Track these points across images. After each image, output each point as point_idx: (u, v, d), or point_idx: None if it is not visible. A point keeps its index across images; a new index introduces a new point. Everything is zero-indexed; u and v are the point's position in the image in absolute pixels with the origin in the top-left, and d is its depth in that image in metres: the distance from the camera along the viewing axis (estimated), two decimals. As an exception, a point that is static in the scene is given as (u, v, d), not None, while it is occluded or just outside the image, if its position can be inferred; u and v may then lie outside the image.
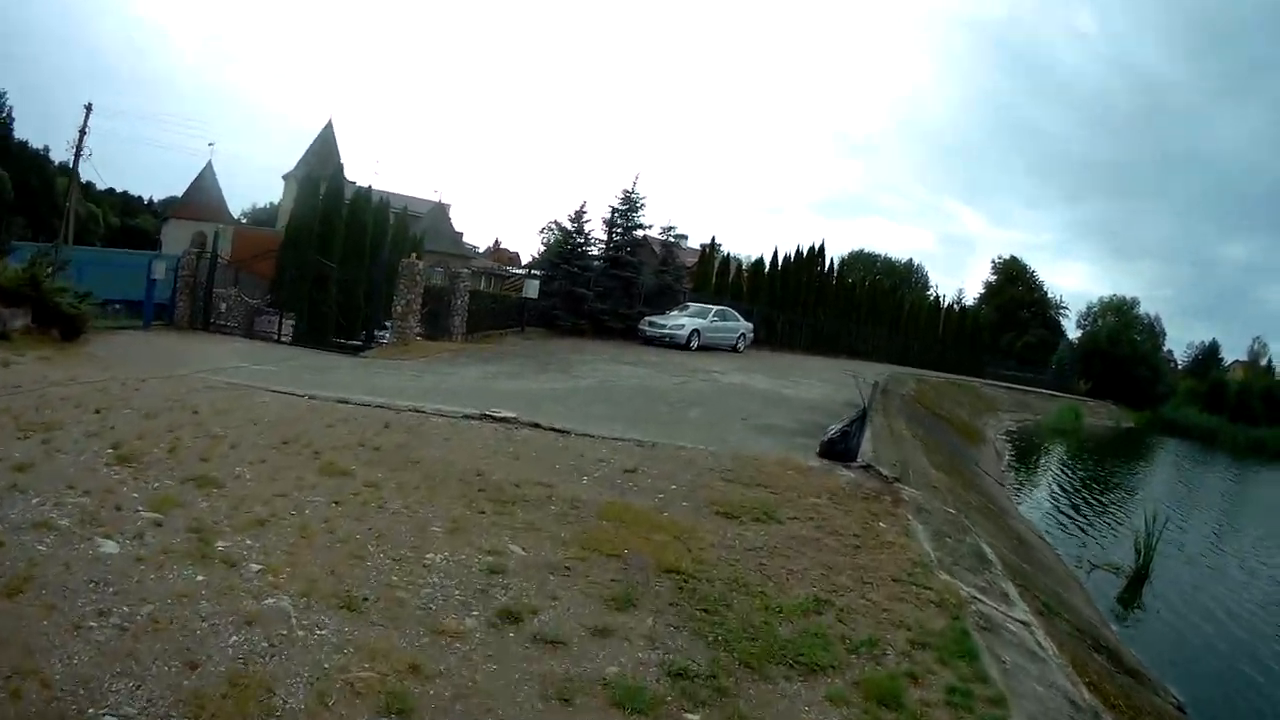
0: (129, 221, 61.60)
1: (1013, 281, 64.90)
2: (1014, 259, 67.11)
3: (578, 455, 7.39)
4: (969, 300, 64.46)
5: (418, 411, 8.67)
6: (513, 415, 8.77)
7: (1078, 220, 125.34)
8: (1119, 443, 35.92)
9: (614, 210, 25.12)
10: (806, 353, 31.79)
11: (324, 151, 37.39)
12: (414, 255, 18.11)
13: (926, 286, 71.66)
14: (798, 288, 32.09)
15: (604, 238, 25.39)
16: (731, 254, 30.79)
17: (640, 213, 25.19)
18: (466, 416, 8.65)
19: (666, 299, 25.53)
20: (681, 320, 22.21)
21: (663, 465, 7.33)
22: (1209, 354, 73.83)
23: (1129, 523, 13.57)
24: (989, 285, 67.26)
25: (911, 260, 75.86)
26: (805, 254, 32.78)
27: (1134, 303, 60.63)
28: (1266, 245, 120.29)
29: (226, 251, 22.86)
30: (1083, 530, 13.60)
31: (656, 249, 27.79)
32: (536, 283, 22.37)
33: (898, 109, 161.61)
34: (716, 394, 13.44)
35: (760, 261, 31.12)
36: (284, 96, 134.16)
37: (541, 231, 58.03)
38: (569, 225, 25.56)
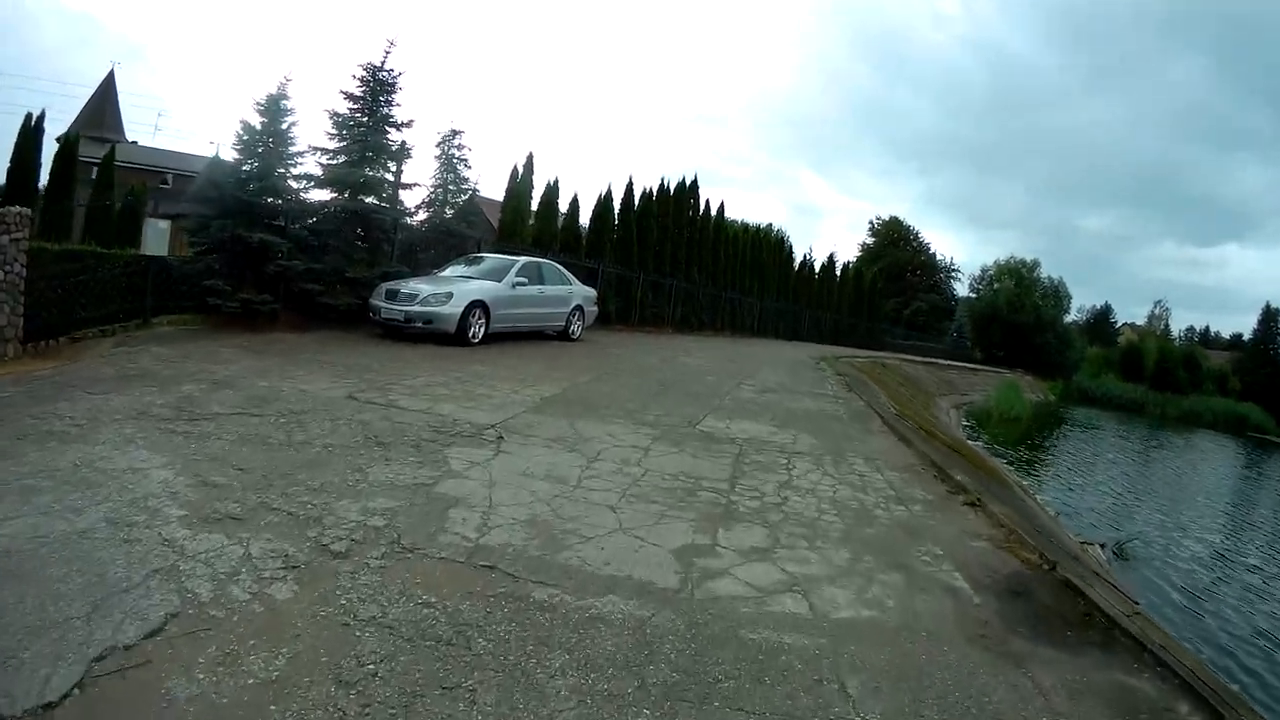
0: None
1: (895, 244, 58.78)
2: (895, 219, 61.32)
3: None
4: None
5: None
6: None
7: (929, 192, 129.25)
8: (1073, 423, 29.58)
9: (350, 98, 13.57)
10: (678, 331, 21.89)
11: (100, 108, 31.74)
12: None
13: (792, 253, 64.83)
14: (664, 238, 21.89)
15: (333, 147, 13.87)
16: (557, 182, 19.45)
17: (393, 104, 13.80)
18: None
19: (448, 250, 14.56)
20: (450, 286, 11.18)
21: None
22: (1102, 317, 70.82)
23: None
24: (867, 248, 61.01)
25: (771, 225, 69.06)
26: (673, 191, 22.58)
27: (1034, 265, 54.28)
28: (1124, 217, 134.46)
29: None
30: None
31: (442, 172, 16.36)
32: (165, 226, 10.91)
33: (753, 86, 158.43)
34: None
35: (608, 198, 20.34)
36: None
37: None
38: (257, 121, 13.45)
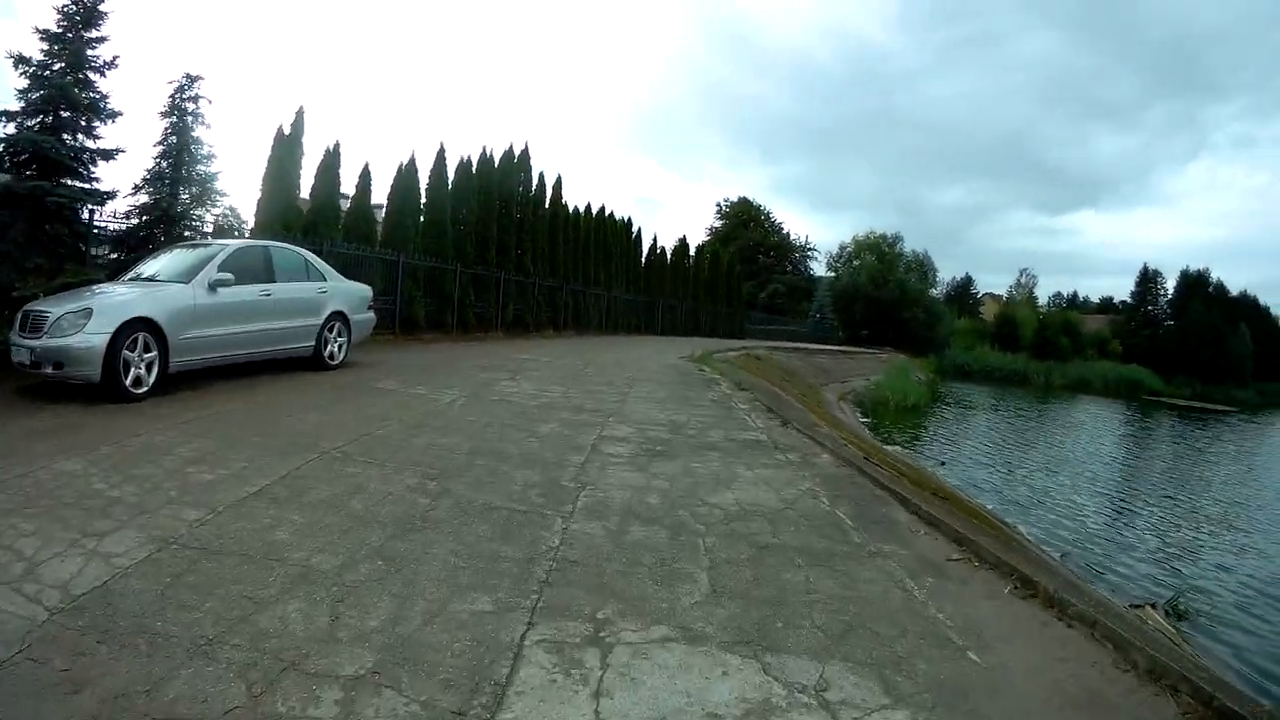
0: None
1: (745, 225, 58.15)
2: (745, 200, 60.68)
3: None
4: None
5: None
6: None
7: (777, 178, 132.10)
8: (970, 405, 28.71)
9: (46, 37, 9.14)
10: (510, 335, 18.70)
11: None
12: None
13: (640, 238, 62.89)
14: (488, 220, 18.46)
15: (19, 108, 9.45)
16: (338, 148, 14.66)
17: (97, 41, 9.60)
18: None
19: (172, 240, 10.56)
20: (95, 299, 6.80)
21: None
22: (963, 289, 71.46)
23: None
24: (715, 231, 60.01)
25: (611, 213, 66.87)
26: (499, 162, 19.18)
27: (896, 239, 53.31)
28: (977, 189, 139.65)
29: None
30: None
31: (172, 136, 12.01)
32: None
33: (591, 75, 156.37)
34: None
35: (410, 170, 16.25)
36: None
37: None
38: None
